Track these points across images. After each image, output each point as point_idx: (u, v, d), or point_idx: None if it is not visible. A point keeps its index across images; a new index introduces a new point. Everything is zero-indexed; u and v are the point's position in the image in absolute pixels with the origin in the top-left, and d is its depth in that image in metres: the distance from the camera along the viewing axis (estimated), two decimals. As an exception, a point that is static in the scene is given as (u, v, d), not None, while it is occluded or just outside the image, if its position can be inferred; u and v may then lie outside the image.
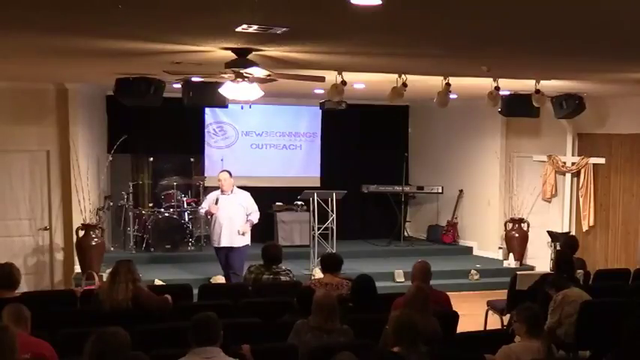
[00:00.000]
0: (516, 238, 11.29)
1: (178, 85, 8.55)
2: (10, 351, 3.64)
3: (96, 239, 9.60)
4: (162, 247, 10.87)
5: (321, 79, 6.40)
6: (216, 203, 8.56)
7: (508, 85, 8.16)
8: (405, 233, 12.56)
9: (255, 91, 6.08)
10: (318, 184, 12.39)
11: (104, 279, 8.35)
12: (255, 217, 8.74)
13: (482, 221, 12.08)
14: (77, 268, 9.64)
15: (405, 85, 7.25)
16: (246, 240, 8.64)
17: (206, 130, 12.18)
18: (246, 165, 12.27)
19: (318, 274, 8.76)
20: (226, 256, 8.59)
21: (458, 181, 12.49)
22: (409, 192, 12.61)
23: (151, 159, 11.68)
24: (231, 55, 5.62)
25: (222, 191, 8.64)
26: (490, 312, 7.65)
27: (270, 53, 5.70)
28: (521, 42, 5.14)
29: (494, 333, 6.11)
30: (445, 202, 12.76)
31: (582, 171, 10.72)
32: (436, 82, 7.67)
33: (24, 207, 9.63)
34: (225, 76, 6.01)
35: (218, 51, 5.58)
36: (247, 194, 8.78)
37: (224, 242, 8.56)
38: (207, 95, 8.12)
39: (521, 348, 4.58)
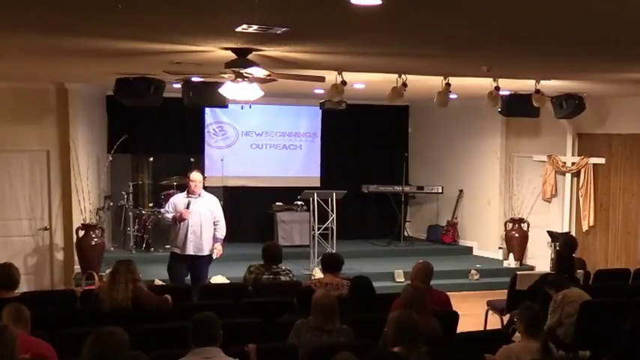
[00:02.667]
0: (516, 238, 11.29)
1: (178, 85, 8.54)
2: (10, 351, 3.63)
3: (96, 239, 9.61)
4: (162, 247, 10.86)
5: (321, 79, 6.40)
6: (188, 207, 7.72)
7: (508, 85, 8.16)
8: (405, 233, 12.56)
9: (255, 91, 6.08)
10: (318, 184, 12.39)
11: (104, 279, 8.35)
12: (222, 230, 7.89)
13: (482, 221, 12.08)
14: (77, 268, 9.64)
15: (405, 85, 7.24)
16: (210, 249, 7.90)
17: (206, 130, 12.18)
18: (246, 165, 12.31)
19: (318, 274, 8.76)
20: (191, 265, 7.78)
21: (458, 181, 12.49)
22: (409, 192, 12.61)
23: (151, 159, 11.67)
24: (231, 55, 5.61)
25: (190, 193, 7.80)
26: (490, 312, 7.65)
27: (270, 53, 5.70)
28: (521, 42, 5.14)
29: (494, 333, 6.10)
30: (445, 202, 12.75)
31: (582, 171, 10.72)
32: (436, 82, 7.67)
33: (24, 207, 9.62)
34: (225, 76, 6.01)
35: (218, 51, 5.58)
36: (216, 199, 8.06)
37: (190, 250, 7.73)
38: (207, 95, 8.11)
39: (521, 348, 4.58)
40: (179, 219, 7.72)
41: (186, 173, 11.10)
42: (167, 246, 10.69)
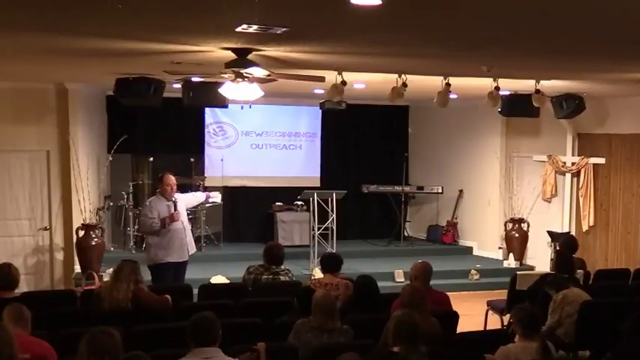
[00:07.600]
0: (516, 238, 11.29)
1: (178, 85, 8.54)
2: (9, 347, 3.62)
3: (96, 239, 9.61)
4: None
5: (321, 79, 6.40)
6: (175, 209, 7.43)
7: (508, 85, 8.16)
8: (405, 233, 12.56)
9: (255, 91, 6.08)
10: (318, 184, 12.39)
11: (104, 279, 8.37)
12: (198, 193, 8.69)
13: (482, 221, 12.08)
14: (77, 268, 9.65)
15: (405, 85, 7.24)
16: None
17: (206, 130, 12.18)
18: (247, 165, 12.30)
19: (318, 274, 8.75)
20: (173, 272, 7.50)
21: (458, 181, 12.49)
22: (409, 192, 12.61)
23: (151, 159, 11.66)
24: (231, 55, 5.61)
25: (167, 197, 7.49)
26: (490, 312, 7.65)
27: (270, 53, 5.70)
28: (522, 42, 5.14)
29: (494, 333, 6.10)
30: (445, 202, 12.75)
31: (582, 171, 10.72)
32: (436, 82, 7.67)
33: (24, 207, 9.63)
34: (225, 76, 6.01)
35: (218, 51, 5.58)
36: (180, 194, 7.84)
37: (174, 257, 7.48)
38: (207, 95, 8.10)
39: (520, 348, 4.58)
40: (170, 221, 7.38)
41: (186, 173, 11.33)
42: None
